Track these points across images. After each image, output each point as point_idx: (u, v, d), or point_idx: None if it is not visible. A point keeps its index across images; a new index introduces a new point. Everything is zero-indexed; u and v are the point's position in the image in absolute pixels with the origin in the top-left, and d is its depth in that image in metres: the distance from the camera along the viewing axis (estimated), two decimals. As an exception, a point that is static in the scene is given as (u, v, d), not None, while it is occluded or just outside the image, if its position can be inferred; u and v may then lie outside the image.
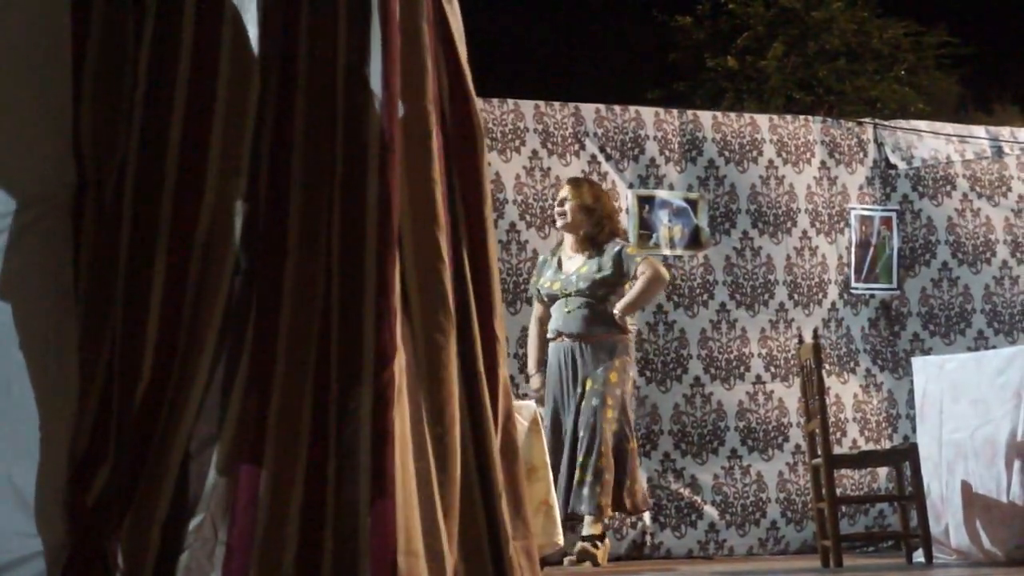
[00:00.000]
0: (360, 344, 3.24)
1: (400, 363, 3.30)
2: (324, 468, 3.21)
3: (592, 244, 7.00)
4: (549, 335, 7.02)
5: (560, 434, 6.89)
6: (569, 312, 6.91)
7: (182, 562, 3.21)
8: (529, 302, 7.37)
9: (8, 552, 3.19)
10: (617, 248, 6.99)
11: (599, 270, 6.93)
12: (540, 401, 6.96)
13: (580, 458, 6.75)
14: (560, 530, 6.35)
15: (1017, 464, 5.74)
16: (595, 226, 7.00)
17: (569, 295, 6.92)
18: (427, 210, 3.42)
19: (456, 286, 3.46)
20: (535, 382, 7.11)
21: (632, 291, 6.92)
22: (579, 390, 6.85)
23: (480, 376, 3.48)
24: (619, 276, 6.94)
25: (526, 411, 6.25)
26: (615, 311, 6.90)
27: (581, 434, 6.78)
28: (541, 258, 7.25)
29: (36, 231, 3.34)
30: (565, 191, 7.06)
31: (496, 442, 3.48)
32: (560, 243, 7.19)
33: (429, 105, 3.44)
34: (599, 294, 6.90)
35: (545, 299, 7.07)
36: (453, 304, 3.42)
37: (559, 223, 7.08)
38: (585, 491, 6.72)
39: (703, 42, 16.89)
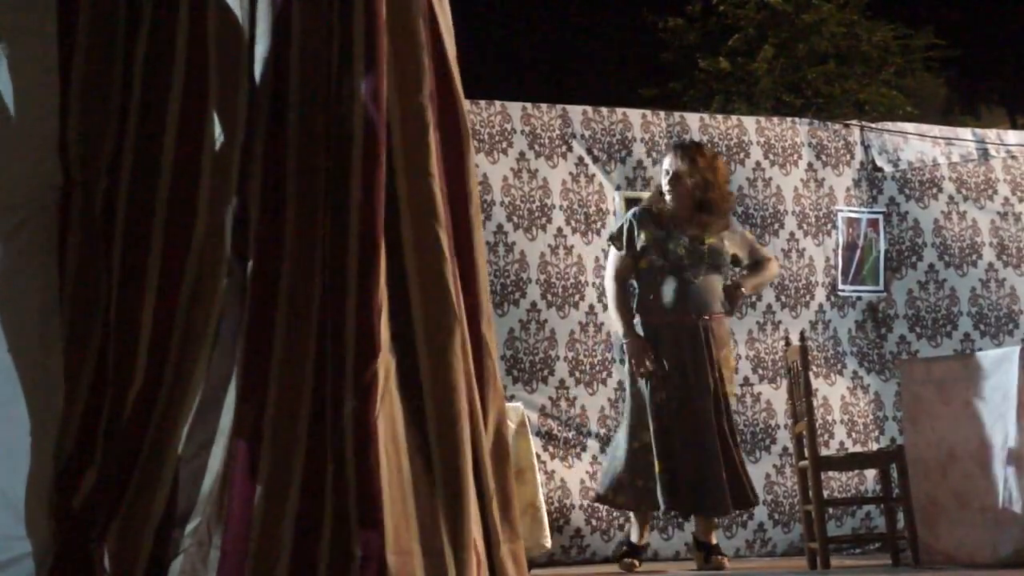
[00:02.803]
0: (343, 347, 3.24)
1: (387, 364, 3.29)
2: (322, 475, 3.20)
3: (705, 215, 6.48)
4: (669, 309, 6.39)
5: (647, 420, 6.29)
6: (696, 285, 6.39)
7: (175, 567, 3.21)
8: (517, 303, 7.36)
9: (-6, 554, 3.19)
10: (740, 228, 6.80)
11: (731, 246, 6.55)
12: (643, 366, 6.32)
13: (723, 455, 6.22)
14: (547, 532, 6.35)
15: (1007, 467, 5.75)
16: (706, 197, 6.47)
17: (698, 267, 6.42)
18: (427, 206, 3.41)
19: None
20: (639, 344, 6.38)
21: (761, 274, 6.67)
22: (713, 373, 6.33)
23: (472, 380, 3.47)
24: (748, 257, 6.66)
25: (513, 413, 6.25)
26: (745, 290, 6.59)
27: (719, 426, 6.28)
28: (633, 211, 6.62)
29: (22, 234, 3.34)
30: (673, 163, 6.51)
31: (487, 444, 3.48)
32: (655, 205, 6.59)
33: (426, 101, 3.44)
34: (724, 271, 6.53)
35: (663, 265, 6.41)
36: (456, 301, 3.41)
37: (668, 199, 6.51)
38: (727, 491, 6.20)
39: (694, 44, 16.89)
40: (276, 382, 3.27)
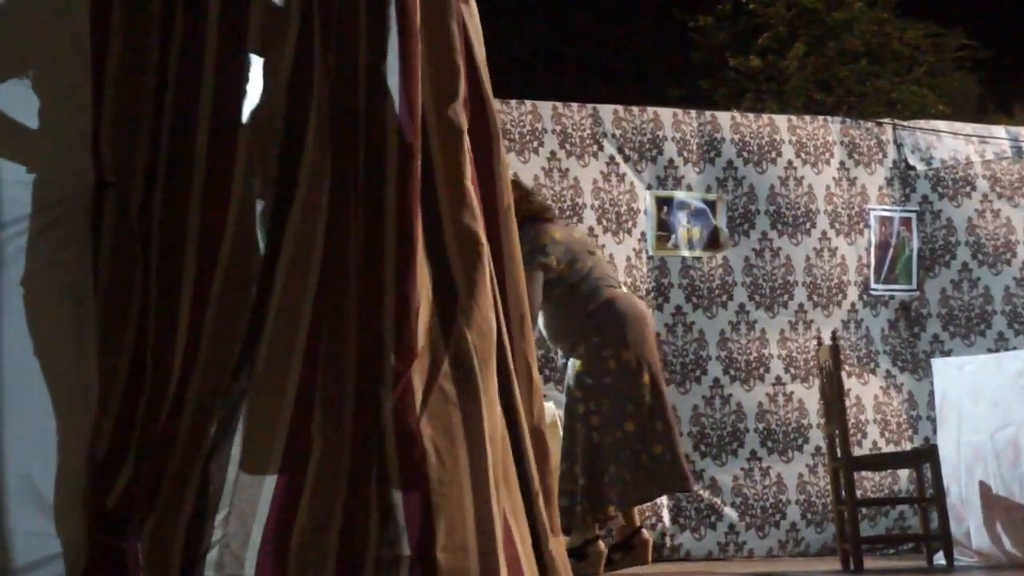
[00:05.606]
0: (382, 349, 3.24)
1: (433, 363, 3.29)
2: (367, 474, 3.20)
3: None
4: None
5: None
6: None
7: (211, 559, 3.22)
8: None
9: (28, 553, 3.20)
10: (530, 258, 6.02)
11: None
12: None
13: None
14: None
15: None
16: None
17: None
18: (466, 211, 3.41)
19: None
20: None
21: None
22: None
23: (512, 377, 3.48)
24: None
25: (546, 413, 6.26)
26: None
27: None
28: None
29: (54, 233, 3.34)
30: None
31: (529, 441, 3.49)
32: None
33: (459, 106, 3.44)
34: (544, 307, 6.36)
35: None
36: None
37: None
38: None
39: (724, 42, 16.87)
40: (295, 378, 3.27)
